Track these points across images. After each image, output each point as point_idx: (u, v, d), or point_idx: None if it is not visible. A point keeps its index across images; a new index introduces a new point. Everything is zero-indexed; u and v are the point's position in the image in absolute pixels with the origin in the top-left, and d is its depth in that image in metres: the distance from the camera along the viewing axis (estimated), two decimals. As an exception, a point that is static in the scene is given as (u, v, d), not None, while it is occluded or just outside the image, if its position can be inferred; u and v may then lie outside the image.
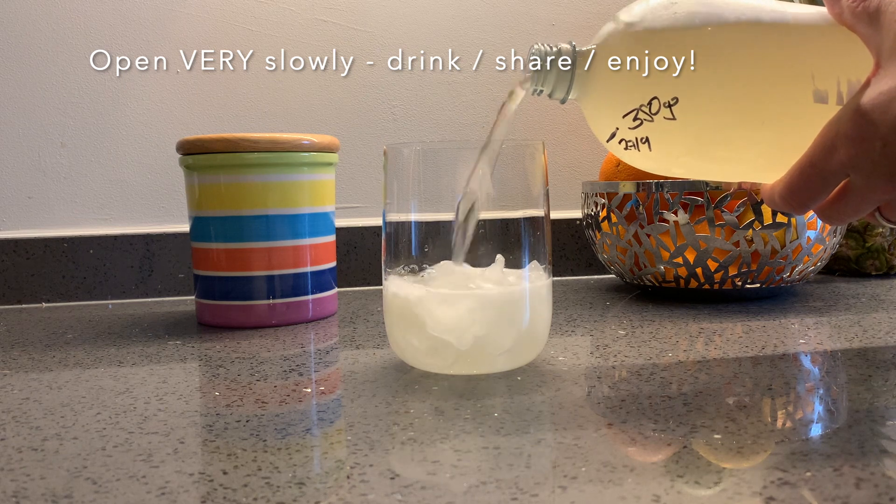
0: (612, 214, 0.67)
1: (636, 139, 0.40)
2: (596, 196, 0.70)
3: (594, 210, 0.71)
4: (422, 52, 0.83)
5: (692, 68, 0.38)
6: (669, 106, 0.38)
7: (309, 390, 0.43)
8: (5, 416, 0.39)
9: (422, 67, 0.83)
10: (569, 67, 0.40)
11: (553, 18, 0.85)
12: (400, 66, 0.83)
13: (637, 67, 0.39)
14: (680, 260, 0.64)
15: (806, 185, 0.37)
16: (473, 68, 0.84)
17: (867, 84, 0.35)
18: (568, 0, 0.85)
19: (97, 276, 0.77)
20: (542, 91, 0.42)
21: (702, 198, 0.63)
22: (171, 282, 0.78)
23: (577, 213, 0.86)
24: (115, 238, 0.77)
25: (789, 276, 0.65)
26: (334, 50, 0.82)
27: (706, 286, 0.65)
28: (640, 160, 0.41)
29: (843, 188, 0.37)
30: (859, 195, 0.36)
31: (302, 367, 0.47)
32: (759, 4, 0.40)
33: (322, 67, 0.81)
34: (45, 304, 0.76)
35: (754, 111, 0.39)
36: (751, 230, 0.62)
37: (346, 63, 0.82)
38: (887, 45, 0.35)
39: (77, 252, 0.76)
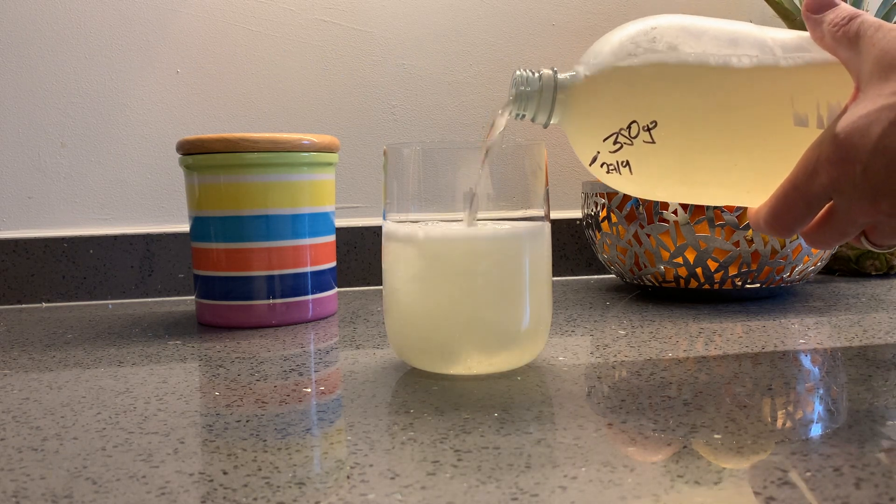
0: (612, 214, 0.68)
1: (617, 163, 0.40)
2: (596, 196, 0.70)
3: (594, 210, 0.71)
4: (422, 52, 0.83)
5: (670, 93, 0.38)
6: (648, 129, 0.38)
7: (309, 390, 0.43)
8: (5, 416, 0.39)
9: (422, 67, 0.83)
10: (550, 93, 0.41)
11: (553, 18, 0.85)
12: (400, 66, 0.83)
13: (617, 93, 0.39)
14: (680, 260, 0.64)
15: (790, 209, 0.37)
16: (473, 68, 0.84)
17: (847, 108, 0.35)
18: (568, 0, 0.85)
19: (97, 276, 0.77)
20: (524, 115, 0.42)
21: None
22: (171, 282, 0.78)
23: (577, 213, 0.86)
24: (115, 238, 0.77)
25: (789, 276, 0.65)
26: (334, 50, 0.82)
27: (706, 286, 0.65)
28: (623, 184, 0.42)
29: (827, 212, 0.37)
30: (843, 218, 0.36)
31: (302, 367, 0.47)
32: (740, 29, 0.40)
33: (322, 67, 0.82)
34: (45, 304, 0.76)
35: (733, 135, 0.39)
36: (751, 230, 0.62)
37: (346, 63, 0.82)
38: (867, 68, 0.35)
39: (77, 252, 0.76)
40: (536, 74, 0.41)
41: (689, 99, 0.38)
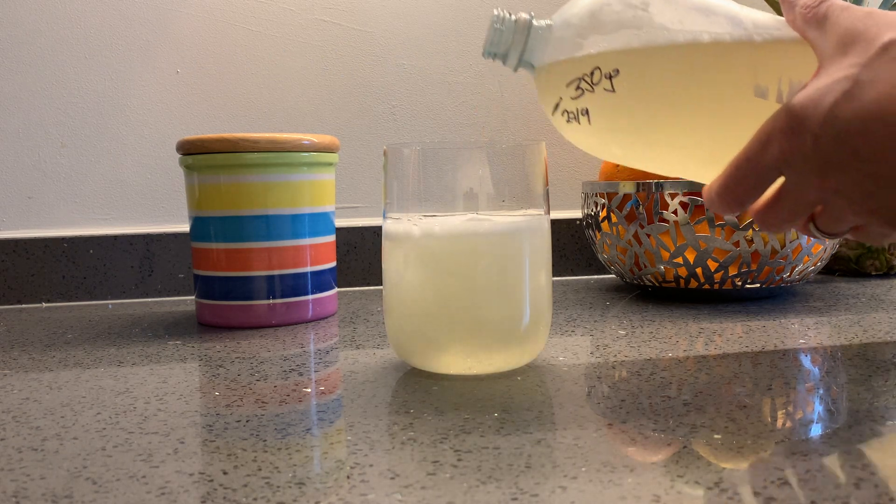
0: (612, 214, 0.68)
1: (577, 110, 0.41)
2: (596, 196, 0.70)
3: (594, 210, 0.71)
4: (422, 52, 0.83)
5: (635, 45, 0.39)
6: (610, 77, 0.39)
7: (309, 390, 0.43)
8: (5, 416, 0.39)
9: (422, 67, 0.83)
10: (523, 35, 0.42)
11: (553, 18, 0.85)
12: (400, 66, 0.83)
13: (583, 40, 0.40)
14: (680, 260, 0.64)
15: (741, 181, 0.37)
16: (473, 68, 0.84)
17: (807, 85, 0.36)
18: (568, 1, 0.85)
19: (97, 276, 0.77)
20: (495, 55, 0.43)
21: (702, 198, 0.63)
22: (171, 282, 0.78)
23: (577, 213, 0.86)
24: (115, 238, 0.77)
25: (789, 276, 0.65)
26: (334, 50, 0.82)
27: (706, 286, 0.65)
28: (581, 136, 0.42)
29: (777, 190, 0.37)
30: (792, 195, 0.36)
31: (302, 367, 0.47)
32: (719, 3, 0.40)
33: (322, 67, 0.82)
34: (45, 304, 0.76)
35: (694, 96, 0.39)
36: (751, 230, 0.62)
37: (346, 63, 0.82)
38: (829, 46, 0.36)
39: (77, 252, 0.76)
40: (513, 17, 0.42)
41: (653, 55, 0.39)
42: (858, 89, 0.33)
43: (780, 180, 0.37)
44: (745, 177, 0.37)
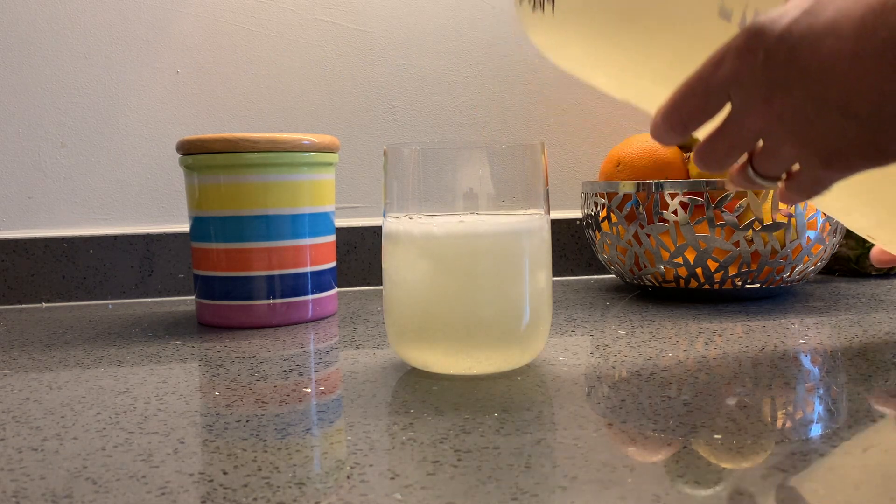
0: (612, 214, 0.68)
1: None
2: (596, 196, 0.70)
3: (594, 210, 0.71)
4: (422, 52, 0.83)
5: None
6: None
7: (309, 390, 0.43)
8: (5, 416, 0.39)
9: (422, 67, 0.83)
10: None
11: (553, 18, 0.85)
12: (400, 66, 0.83)
13: None
14: (680, 260, 0.64)
15: (689, 100, 0.36)
16: (473, 68, 0.84)
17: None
18: (568, 0, 0.85)
19: (97, 276, 0.77)
20: None
21: (702, 198, 0.63)
22: (171, 282, 0.78)
23: (577, 213, 0.86)
24: (115, 238, 0.77)
25: (789, 276, 0.65)
26: (334, 50, 0.82)
27: (706, 286, 0.65)
28: (544, 30, 0.41)
29: (722, 120, 0.37)
30: (736, 122, 0.36)
31: (302, 367, 0.47)
32: None
33: (322, 67, 0.82)
34: (45, 304, 0.76)
35: (660, 2, 0.39)
36: (751, 230, 0.62)
37: (346, 63, 0.82)
38: None
39: (77, 252, 0.76)
40: None
41: None
42: (819, 7, 0.32)
43: (726, 110, 0.36)
44: (692, 95, 0.36)
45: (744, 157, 0.38)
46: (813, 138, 0.34)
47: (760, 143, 0.36)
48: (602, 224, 0.70)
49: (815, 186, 0.37)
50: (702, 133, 0.39)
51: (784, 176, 0.37)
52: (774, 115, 0.34)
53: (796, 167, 0.36)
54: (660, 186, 0.64)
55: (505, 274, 0.43)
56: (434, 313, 0.43)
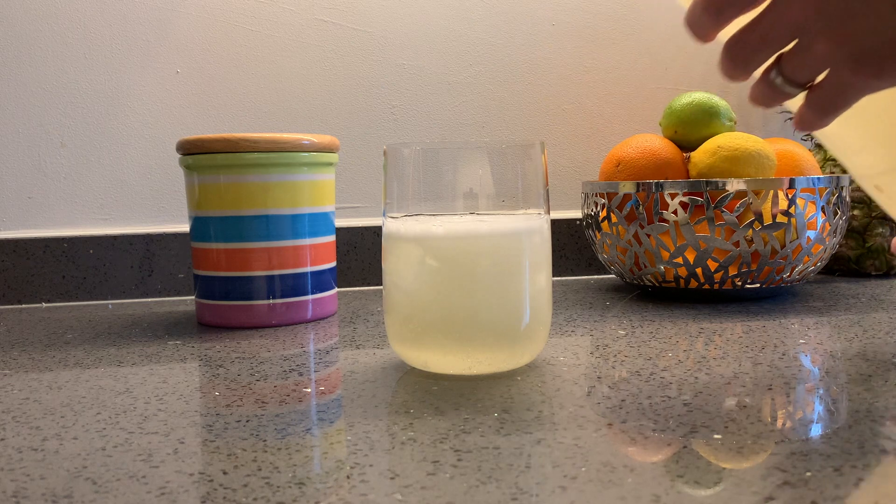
0: (612, 214, 0.68)
1: None
2: (596, 196, 0.70)
3: (594, 210, 0.71)
4: (422, 52, 0.83)
5: None
6: None
7: (309, 390, 0.43)
8: (5, 416, 0.39)
9: (422, 67, 0.83)
10: None
11: (553, 18, 0.85)
12: (400, 66, 0.83)
13: None
14: (680, 260, 0.64)
15: None
16: (473, 68, 0.84)
17: None
18: (568, 0, 0.85)
19: (97, 276, 0.77)
20: None
21: (702, 198, 0.63)
22: (171, 282, 0.78)
23: (577, 213, 0.86)
24: (115, 238, 0.77)
25: (789, 276, 0.65)
26: (334, 50, 0.82)
27: (706, 286, 0.65)
28: None
29: (761, 11, 0.36)
30: (774, 12, 0.35)
31: (302, 367, 0.47)
32: None
33: (322, 67, 0.82)
34: (45, 304, 0.76)
35: None
36: (751, 230, 0.62)
37: (346, 63, 0.82)
38: None
39: (77, 252, 0.76)
40: None
41: None
42: None
43: (764, 4, 0.35)
44: None
45: (770, 60, 0.37)
46: (850, 34, 0.33)
47: (790, 46, 0.35)
48: (602, 224, 0.70)
49: (839, 97, 0.36)
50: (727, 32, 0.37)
51: (808, 87, 0.36)
52: (813, 8, 0.33)
53: (821, 78, 0.35)
54: (660, 186, 0.64)
55: (505, 274, 0.43)
56: (434, 313, 0.43)
